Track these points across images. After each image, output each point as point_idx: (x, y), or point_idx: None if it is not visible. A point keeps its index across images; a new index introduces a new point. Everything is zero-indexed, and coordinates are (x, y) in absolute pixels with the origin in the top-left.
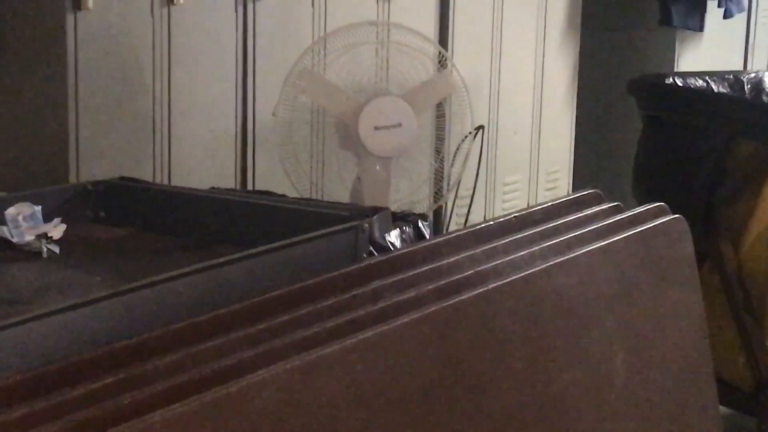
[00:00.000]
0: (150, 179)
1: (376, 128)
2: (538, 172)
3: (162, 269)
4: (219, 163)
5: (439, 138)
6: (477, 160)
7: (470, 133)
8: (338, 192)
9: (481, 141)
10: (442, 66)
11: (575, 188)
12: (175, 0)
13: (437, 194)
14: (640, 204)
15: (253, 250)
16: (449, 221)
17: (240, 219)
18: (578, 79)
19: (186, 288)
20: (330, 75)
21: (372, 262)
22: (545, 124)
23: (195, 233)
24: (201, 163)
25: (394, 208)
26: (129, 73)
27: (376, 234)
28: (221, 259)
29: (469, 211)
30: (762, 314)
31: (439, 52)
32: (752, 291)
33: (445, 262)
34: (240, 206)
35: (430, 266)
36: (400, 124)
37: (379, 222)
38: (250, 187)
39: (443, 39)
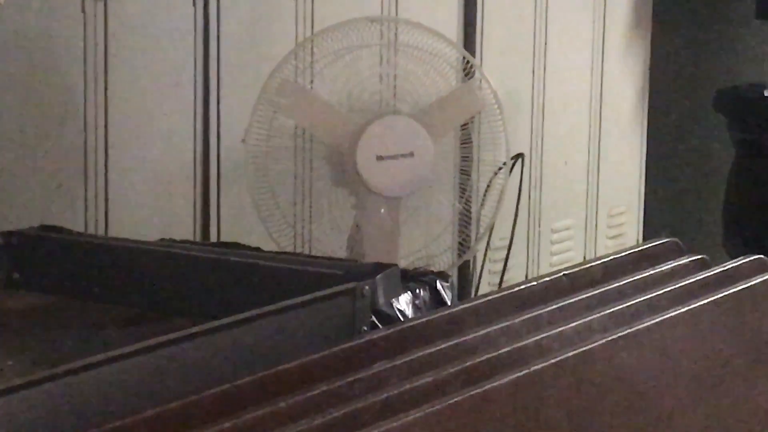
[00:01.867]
0: (81, 228)
1: (379, 158)
2: (597, 214)
3: (95, 349)
4: (172, 206)
5: (465, 171)
6: (515, 200)
7: (505, 163)
8: (331, 244)
9: (520, 174)
10: (467, 76)
11: (646, 236)
12: None
13: (462, 246)
14: (732, 256)
15: (216, 323)
16: (479, 281)
17: (199, 282)
18: (649, 93)
19: (124, 373)
20: (319, 88)
21: (374, 337)
22: (605, 151)
23: (140, 302)
24: (148, 207)
25: (404, 264)
26: (52, 89)
27: (381, 299)
28: (172, 336)
29: (505, 267)
30: None
31: (464, 58)
32: None
33: (471, 336)
34: (199, 264)
35: (451, 342)
36: (411, 153)
37: (384, 283)
38: (213, 238)
39: (469, 41)
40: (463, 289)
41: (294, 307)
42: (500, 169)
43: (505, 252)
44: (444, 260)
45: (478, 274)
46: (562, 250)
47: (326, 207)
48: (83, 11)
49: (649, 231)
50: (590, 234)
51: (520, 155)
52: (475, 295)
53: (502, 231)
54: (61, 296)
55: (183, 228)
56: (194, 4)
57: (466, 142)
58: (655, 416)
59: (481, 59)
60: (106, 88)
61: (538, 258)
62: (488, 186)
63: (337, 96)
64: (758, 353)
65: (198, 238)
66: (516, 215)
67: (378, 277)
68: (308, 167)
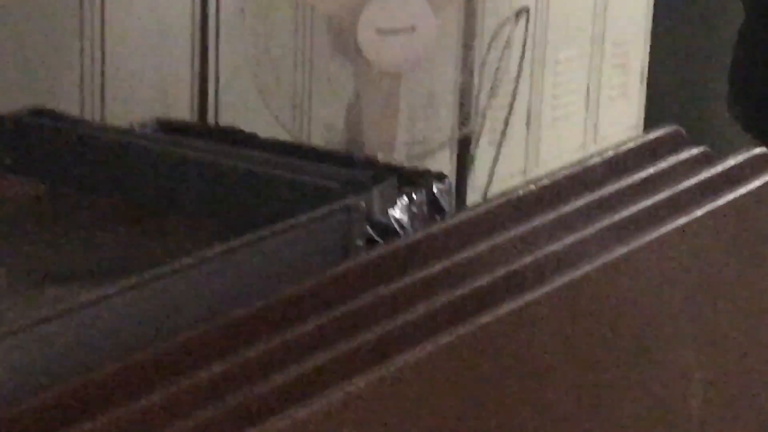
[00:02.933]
0: (77, 88)
1: (380, 32)
2: (603, 43)
3: (88, 258)
4: (170, 64)
5: (467, 41)
6: (520, 54)
7: (507, 19)
8: (329, 115)
9: (525, 29)
10: None
11: (653, 62)
12: None
13: (463, 119)
14: (739, 119)
15: (204, 254)
16: (481, 131)
17: (189, 182)
18: None
19: (116, 311)
20: None
21: (368, 258)
22: None
23: (131, 194)
24: (146, 66)
25: (404, 138)
26: None
27: (376, 211)
28: (165, 269)
29: (510, 109)
30: None
31: None
32: None
33: (466, 255)
34: (188, 164)
35: (445, 263)
36: (413, 28)
37: (380, 195)
38: (211, 104)
39: None
40: (462, 157)
41: (289, 228)
42: (502, 26)
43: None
44: (444, 134)
45: (477, 134)
46: (565, 81)
47: (325, 78)
48: None
49: (655, 60)
50: (595, 64)
51: (524, 9)
52: (476, 147)
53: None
54: (53, 184)
55: (180, 88)
56: None
57: (469, 13)
58: (649, 337)
59: None
60: None
61: (542, 89)
62: (489, 45)
63: None
64: (756, 260)
65: (195, 105)
66: (519, 71)
67: (374, 190)
68: (309, 39)
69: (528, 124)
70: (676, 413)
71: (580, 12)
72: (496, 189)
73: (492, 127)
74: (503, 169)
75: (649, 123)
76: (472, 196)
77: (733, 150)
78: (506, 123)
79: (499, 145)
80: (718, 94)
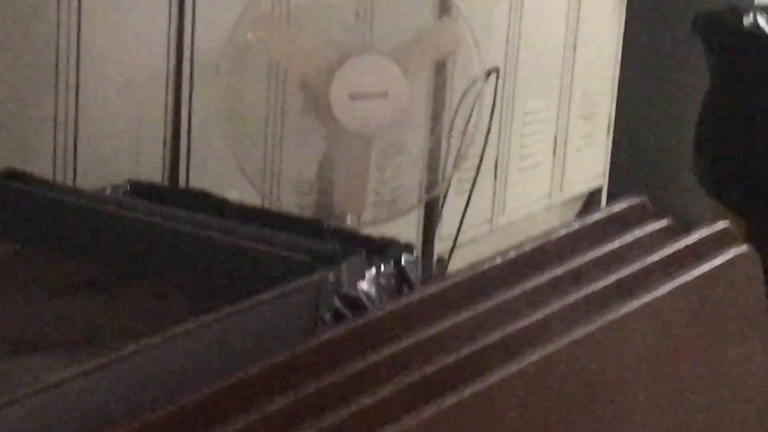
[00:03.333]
0: (50, 147)
1: (352, 97)
2: (571, 95)
3: (54, 326)
4: (143, 121)
5: (437, 105)
6: (489, 110)
7: (476, 80)
8: (300, 176)
9: (494, 87)
10: (444, 12)
11: (619, 113)
12: None
13: (431, 181)
14: (703, 184)
15: (168, 332)
16: (446, 194)
17: (157, 250)
18: None
19: (72, 393)
20: (295, 20)
21: (335, 334)
22: (583, 34)
23: (99, 260)
24: (119, 122)
25: (373, 199)
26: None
27: (345, 284)
28: (128, 349)
29: (481, 160)
30: None
31: None
32: None
33: (432, 332)
34: (161, 230)
35: (411, 340)
36: (385, 93)
37: (349, 268)
38: (183, 162)
39: None
40: (429, 221)
41: (258, 304)
42: (471, 85)
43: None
44: (413, 197)
45: (444, 193)
46: (534, 132)
47: (296, 136)
48: None
49: (621, 113)
50: (563, 115)
51: (494, 70)
52: (444, 200)
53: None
54: (23, 247)
55: (152, 145)
56: None
57: (440, 77)
58: (618, 414)
59: None
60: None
61: (509, 142)
62: (457, 108)
63: (313, 30)
64: (720, 333)
65: (167, 163)
66: (488, 129)
67: (343, 264)
68: (281, 99)
69: (496, 173)
70: None
71: (550, 66)
72: (463, 238)
73: (461, 177)
74: (471, 218)
75: (614, 172)
76: (440, 246)
77: (696, 210)
78: (476, 174)
79: (469, 196)
80: (683, 145)
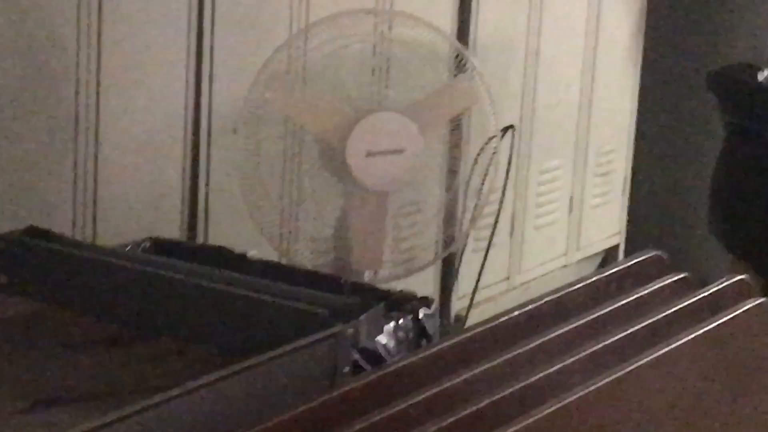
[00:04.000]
0: (70, 206)
1: (369, 154)
2: (587, 153)
3: (76, 382)
4: (162, 181)
5: (453, 162)
6: (505, 168)
7: (493, 137)
8: (317, 232)
9: (510, 145)
10: (460, 69)
11: (635, 171)
12: None
13: (448, 237)
14: (719, 238)
15: (193, 384)
16: (463, 251)
17: (178, 305)
18: (645, 34)
19: None
20: (311, 78)
21: (355, 386)
22: (598, 91)
23: (121, 317)
24: (138, 183)
25: (390, 256)
26: (43, 63)
27: (364, 338)
28: (154, 400)
29: (497, 219)
30: None
31: (457, 53)
32: None
33: (450, 384)
34: (178, 288)
35: (430, 392)
36: (401, 150)
37: (367, 322)
38: (201, 220)
39: (464, 17)
40: (447, 277)
41: (277, 357)
42: (488, 142)
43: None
44: (430, 253)
45: (461, 250)
46: (550, 190)
47: (313, 193)
48: None
49: (638, 169)
50: (579, 173)
51: (510, 127)
52: (461, 258)
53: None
54: (45, 303)
55: (171, 205)
56: None
57: (455, 134)
58: None
59: (477, 21)
60: (98, 59)
61: (525, 200)
62: (474, 165)
63: (330, 87)
64: (738, 385)
65: (185, 221)
66: (505, 185)
67: (362, 318)
68: (298, 156)
69: (512, 232)
70: None
71: (565, 124)
72: (480, 296)
73: (477, 235)
74: (487, 276)
75: (631, 230)
76: (458, 305)
77: (713, 267)
78: (492, 233)
79: (485, 255)
80: (700, 203)
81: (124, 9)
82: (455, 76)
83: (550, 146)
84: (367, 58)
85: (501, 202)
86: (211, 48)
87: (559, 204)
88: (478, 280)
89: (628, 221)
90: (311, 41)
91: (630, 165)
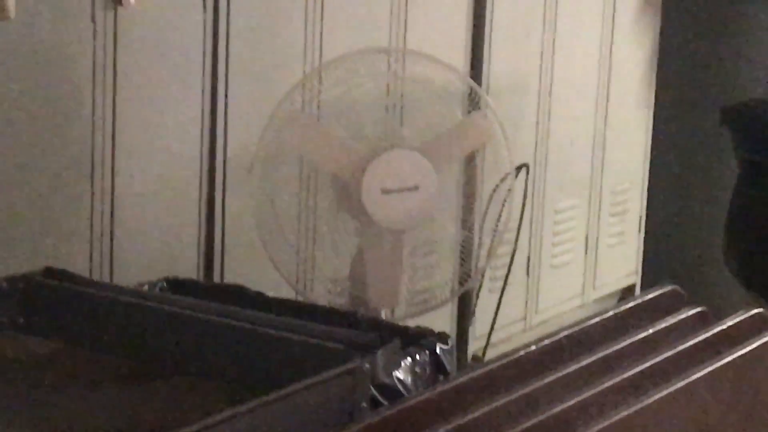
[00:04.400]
0: (87, 248)
1: (384, 191)
2: (601, 193)
3: (93, 420)
4: (178, 223)
5: (468, 199)
6: (520, 207)
7: (507, 174)
8: (333, 271)
9: (525, 183)
10: (473, 106)
11: (650, 210)
12: (123, 0)
13: (464, 275)
14: (733, 270)
15: (211, 420)
16: (482, 281)
17: (196, 343)
18: (657, 75)
19: None
20: (325, 117)
21: (374, 420)
22: (611, 130)
23: (139, 355)
24: (155, 225)
25: (406, 295)
26: (61, 105)
27: (381, 373)
28: None
29: (512, 258)
30: None
31: (471, 90)
32: None
33: (467, 419)
34: (197, 324)
35: (448, 427)
36: (416, 187)
37: (384, 357)
38: (217, 260)
39: (477, 59)
40: (463, 311)
41: (296, 392)
42: (503, 180)
43: (511, 248)
44: (446, 291)
45: (477, 287)
46: (566, 230)
47: (329, 231)
48: (93, 21)
49: (652, 208)
50: (593, 212)
51: (524, 165)
52: (477, 297)
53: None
54: (63, 343)
55: (187, 246)
56: (204, 8)
57: (470, 172)
58: None
59: (490, 64)
60: (114, 101)
61: (541, 238)
62: (489, 203)
63: (344, 125)
64: (757, 417)
65: (202, 261)
66: (519, 224)
67: (379, 352)
68: (312, 193)
69: (528, 271)
70: None
71: (579, 163)
72: (496, 337)
73: (493, 275)
74: (504, 316)
75: (647, 269)
76: (474, 345)
77: (731, 303)
78: (508, 272)
79: (501, 294)
80: (716, 239)
81: (139, 54)
82: (469, 113)
83: (565, 185)
84: (381, 97)
85: (516, 241)
86: (226, 89)
87: (575, 243)
88: (494, 320)
89: (644, 260)
90: (325, 80)
91: (645, 204)
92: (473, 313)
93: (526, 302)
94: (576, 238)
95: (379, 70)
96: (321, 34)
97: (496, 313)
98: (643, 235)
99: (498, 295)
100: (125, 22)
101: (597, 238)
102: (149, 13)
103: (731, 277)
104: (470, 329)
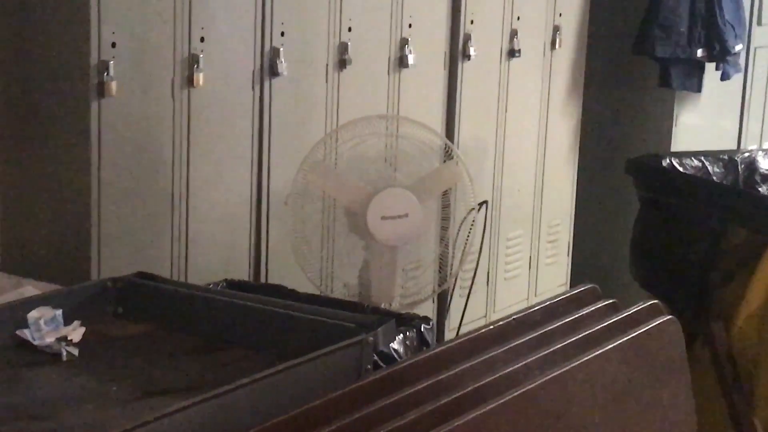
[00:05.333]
0: (168, 257)
1: (383, 218)
2: (540, 225)
3: (174, 378)
4: (235, 239)
5: (444, 220)
6: (481, 233)
7: (472, 209)
8: (346, 275)
9: (485, 215)
10: (447, 157)
11: (575, 242)
12: (194, 82)
13: (441, 278)
14: (637, 280)
15: (259, 374)
16: (453, 287)
17: (248, 324)
18: (581, 137)
19: (192, 416)
20: (341, 164)
21: (375, 377)
22: (548, 179)
23: (206, 334)
24: (218, 241)
25: (399, 291)
26: (150, 157)
27: (381, 344)
28: (231, 386)
29: (475, 272)
30: (750, 391)
31: (446, 145)
32: (741, 369)
33: (444, 375)
34: (248, 311)
35: (429, 381)
36: (406, 215)
37: (383, 333)
38: (263, 266)
39: (450, 121)
40: (442, 306)
41: (318, 357)
42: (469, 213)
43: (475, 263)
44: (428, 289)
45: (451, 289)
46: (514, 253)
47: (344, 250)
48: (172, 97)
49: (577, 236)
50: (535, 239)
51: (484, 202)
52: (450, 299)
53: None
54: (151, 326)
55: (241, 256)
56: (252, 87)
57: (445, 203)
58: None
59: (460, 125)
60: (188, 153)
61: (497, 258)
62: (460, 227)
63: (354, 170)
64: (652, 380)
65: (252, 267)
66: (481, 244)
67: (379, 329)
68: (331, 220)
69: (488, 281)
70: None
71: (524, 204)
72: (465, 329)
73: (462, 285)
74: (470, 314)
75: (574, 281)
76: (449, 335)
77: (634, 301)
78: (472, 282)
79: (467, 298)
80: (624, 257)
81: (206, 121)
82: (444, 162)
83: (514, 219)
84: (381, 150)
85: (478, 259)
86: (269, 146)
87: (522, 262)
88: (462, 316)
89: (572, 274)
90: (340, 138)
91: (572, 234)
92: (448, 310)
93: (486, 304)
94: (522, 258)
95: (380, 130)
96: (337, 105)
97: (464, 311)
98: (570, 256)
99: (465, 299)
100: (196, 97)
101: (537, 258)
102: (214, 92)
103: (635, 284)
104: (446, 322)
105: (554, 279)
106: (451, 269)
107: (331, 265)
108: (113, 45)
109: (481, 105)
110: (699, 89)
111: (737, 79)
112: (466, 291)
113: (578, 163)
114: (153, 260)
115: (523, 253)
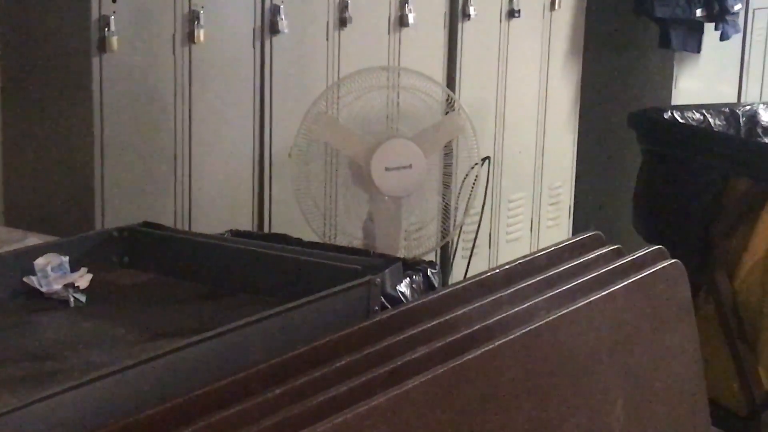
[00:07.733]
0: (171, 211)
1: (387, 169)
2: (541, 188)
3: (182, 322)
4: (238, 195)
5: (447, 175)
6: (483, 190)
7: (476, 164)
8: (351, 228)
9: (487, 171)
10: (450, 108)
11: (576, 204)
12: (195, 38)
13: (444, 231)
14: (641, 233)
15: (268, 312)
16: (455, 248)
17: (255, 269)
18: (581, 100)
19: (203, 353)
20: (343, 117)
21: (384, 317)
22: (548, 142)
23: (213, 280)
24: (221, 196)
25: (404, 244)
26: (152, 112)
27: (388, 286)
28: (240, 322)
29: (477, 233)
30: (754, 342)
31: (448, 96)
32: (745, 320)
33: (452, 315)
34: (255, 256)
35: (438, 320)
36: (410, 165)
37: (390, 275)
38: (266, 221)
39: (451, 80)
40: (445, 259)
41: (327, 296)
42: (472, 168)
43: (477, 221)
44: (432, 241)
45: (454, 244)
46: (516, 215)
47: (348, 202)
48: (173, 53)
49: (579, 199)
50: (536, 202)
51: (486, 158)
52: (453, 258)
53: (475, 206)
54: (157, 275)
55: (245, 210)
56: (253, 45)
57: (448, 155)
58: (584, 373)
59: (459, 93)
60: (189, 110)
61: (498, 220)
62: (463, 181)
63: (356, 123)
64: (657, 322)
65: (256, 224)
66: (484, 201)
67: (386, 270)
68: (335, 173)
69: (489, 244)
70: (604, 429)
71: (525, 166)
72: None
73: (464, 246)
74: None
75: None
76: None
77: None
78: (473, 245)
79: (469, 260)
80: (626, 221)
81: (207, 77)
82: (447, 113)
83: (516, 182)
84: (383, 101)
85: (479, 222)
86: (270, 100)
87: (523, 224)
88: (464, 278)
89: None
90: (343, 91)
91: (573, 196)
92: (450, 272)
93: (489, 266)
94: (524, 221)
95: (381, 82)
96: (338, 63)
97: (465, 274)
98: (572, 219)
99: (467, 260)
100: (197, 53)
101: (539, 221)
102: (214, 48)
103: (638, 236)
104: (448, 282)
105: (555, 241)
106: (455, 222)
107: (335, 217)
108: (114, 0)
109: (482, 65)
110: (698, 50)
111: (736, 39)
112: (468, 253)
113: (578, 126)
114: (157, 216)
115: (525, 215)
